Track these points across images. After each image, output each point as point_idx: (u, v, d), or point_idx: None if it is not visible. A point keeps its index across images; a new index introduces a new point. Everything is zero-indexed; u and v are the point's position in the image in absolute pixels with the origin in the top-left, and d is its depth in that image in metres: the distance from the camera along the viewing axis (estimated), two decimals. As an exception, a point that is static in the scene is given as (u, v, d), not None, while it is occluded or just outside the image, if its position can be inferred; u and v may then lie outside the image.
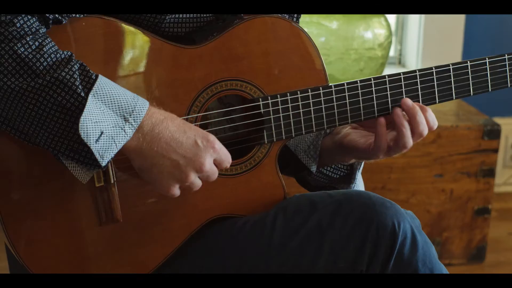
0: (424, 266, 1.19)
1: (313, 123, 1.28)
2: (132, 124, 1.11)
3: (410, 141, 1.28)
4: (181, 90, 1.22)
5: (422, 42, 2.96)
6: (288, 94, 1.26)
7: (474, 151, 2.46)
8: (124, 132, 1.10)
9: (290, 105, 1.27)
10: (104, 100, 1.10)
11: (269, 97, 1.26)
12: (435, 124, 1.30)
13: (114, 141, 1.10)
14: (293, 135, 1.28)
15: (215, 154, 1.16)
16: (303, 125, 1.28)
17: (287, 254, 1.21)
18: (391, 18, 3.02)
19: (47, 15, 1.11)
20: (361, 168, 1.41)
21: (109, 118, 1.09)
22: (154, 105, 1.16)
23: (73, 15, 1.14)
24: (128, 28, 1.19)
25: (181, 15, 1.24)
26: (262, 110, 1.26)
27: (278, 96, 1.26)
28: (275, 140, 1.28)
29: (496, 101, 3.01)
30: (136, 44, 1.20)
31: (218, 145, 1.16)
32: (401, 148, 1.28)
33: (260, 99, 1.26)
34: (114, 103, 1.10)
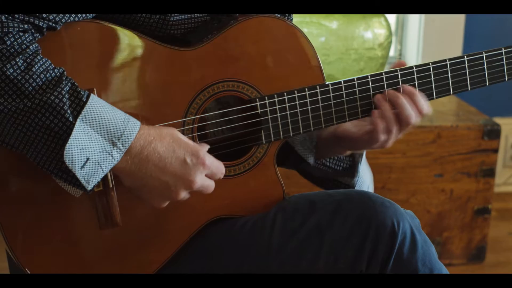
0: (424, 265, 1.19)
1: (311, 122, 1.28)
2: (120, 149, 1.10)
3: (382, 137, 1.29)
4: (178, 92, 1.22)
5: (422, 42, 2.96)
6: (285, 93, 1.26)
7: (474, 151, 2.45)
8: (112, 156, 1.10)
9: (287, 104, 1.27)
10: (93, 124, 1.09)
11: (266, 97, 1.26)
12: (424, 108, 1.30)
13: (101, 166, 1.10)
14: (291, 135, 1.28)
15: (205, 170, 1.16)
16: (300, 124, 1.28)
17: (286, 254, 1.21)
18: (391, 18, 3.02)
19: (41, 24, 1.11)
20: (362, 160, 1.41)
21: (96, 144, 1.09)
22: (150, 113, 1.16)
23: (68, 20, 1.14)
24: (123, 31, 1.19)
25: (175, 16, 1.23)
26: (259, 111, 1.26)
27: (275, 96, 1.26)
28: (273, 140, 1.28)
29: (496, 101, 3.01)
30: (131, 47, 1.19)
31: (209, 159, 1.16)
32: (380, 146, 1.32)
33: (257, 100, 1.26)
34: (103, 128, 1.10)
